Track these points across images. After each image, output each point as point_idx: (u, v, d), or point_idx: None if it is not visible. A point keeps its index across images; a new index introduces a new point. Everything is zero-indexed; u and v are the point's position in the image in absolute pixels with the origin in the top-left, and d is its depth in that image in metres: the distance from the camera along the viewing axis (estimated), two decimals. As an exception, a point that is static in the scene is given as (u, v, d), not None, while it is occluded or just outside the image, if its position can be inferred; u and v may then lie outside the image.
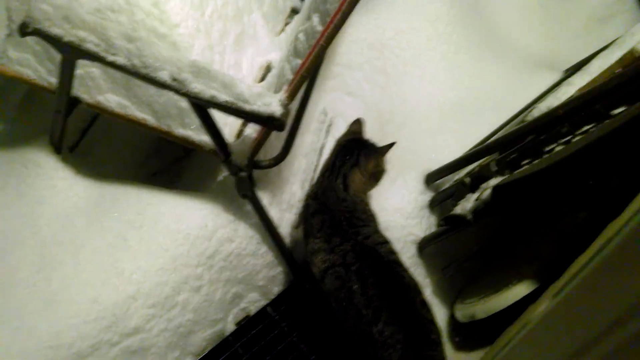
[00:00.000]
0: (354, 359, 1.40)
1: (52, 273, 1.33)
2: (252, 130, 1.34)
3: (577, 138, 1.15)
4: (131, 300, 1.35)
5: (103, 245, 1.38)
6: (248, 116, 1.13)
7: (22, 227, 1.39)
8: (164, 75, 1.11)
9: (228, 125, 1.43)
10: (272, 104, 1.13)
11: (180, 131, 1.36)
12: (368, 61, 1.95)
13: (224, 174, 1.58)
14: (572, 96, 1.30)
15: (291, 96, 1.17)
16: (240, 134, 1.48)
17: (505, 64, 2.04)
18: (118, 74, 1.31)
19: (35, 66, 1.34)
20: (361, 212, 1.41)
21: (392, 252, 1.36)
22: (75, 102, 1.35)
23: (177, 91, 1.12)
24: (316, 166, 1.88)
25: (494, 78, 1.98)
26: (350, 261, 1.28)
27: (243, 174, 1.33)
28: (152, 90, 1.31)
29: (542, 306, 0.81)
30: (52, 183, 1.44)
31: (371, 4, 1.95)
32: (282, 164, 1.65)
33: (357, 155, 1.47)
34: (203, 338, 1.52)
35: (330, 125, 1.99)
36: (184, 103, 1.32)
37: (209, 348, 1.53)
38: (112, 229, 1.40)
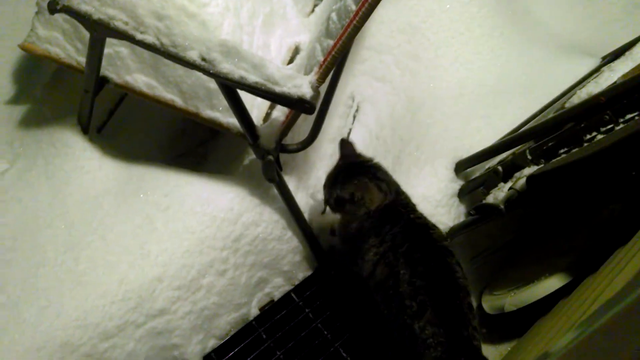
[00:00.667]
0: (381, 349, 1.38)
1: (80, 253, 1.33)
2: (280, 113, 1.31)
3: (620, 127, 1.09)
4: (157, 282, 1.35)
5: (130, 227, 1.38)
6: (278, 98, 1.11)
7: (50, 207, 1.40)
8: (192, 55, 1.09)
9: (256, 107, 1.41)
10: (302, 86, 1.10)
11: (208, 113, 1.34)
12: (398, 45, 1.90)
13: (250, 157, 1.57)
14: (615, 82, 1.25)
15: (322, 78, 1.14)
16: (267, 117, 1.45)
17: (540, 49, 1.97)
18: (147, 54, 1.30)
19: (64, 45, 1.33)
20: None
21: (444, 238, 1.33)
22: (103, 81, 1.35)
23: (205, 71, 1.10)
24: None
25: (528, 63, 1.92)
26: (399, 242, 1.24)
27: (270, 157, 1.31)
28: (180, 70, 1.30)
29: (567, 337, 0.76)
30: (80, 164, 1.44)
31: (402, -15, 1.89)
32: (309, 148, 1.63)
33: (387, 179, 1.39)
34: (227, 322, 1.52)
35: (357, 110, 1.95)
36: (212, 84, 1.30)
37: (233, 332, 1.53)
38: (139, 210, 1.40)
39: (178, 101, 1.34)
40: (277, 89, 1.09)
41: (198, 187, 1.44)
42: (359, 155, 1.43)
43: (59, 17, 1.30)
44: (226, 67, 1.08)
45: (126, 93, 1.73)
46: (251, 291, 1.54)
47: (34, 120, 1.55)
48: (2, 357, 1.19)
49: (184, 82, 1.31)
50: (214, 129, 1.42)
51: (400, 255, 1.24)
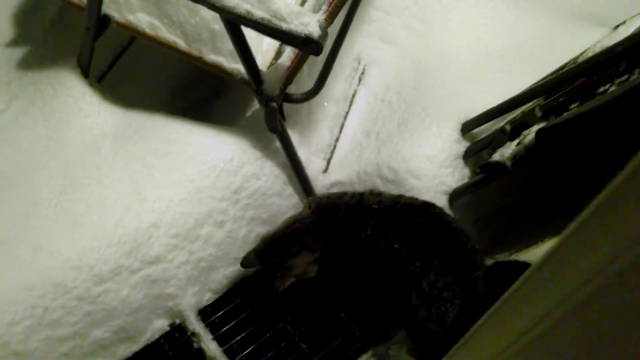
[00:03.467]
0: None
1: (75, 195, 1.30)
2: (285, 59, 1.27)
3: (636, 76, 1.06)
4: (153, 228, 1.32)
5: (127, 173, 1.35)
6: (284, 36, 1.07)
7: (46, 149, 1.37)
8: (198, -14, 1.05)
9: (260, 54, 1.37)
10: (310, 24, 1.06)
11: (211, 57, 1.31)
12: (407, 7, 1.86)
13: (252, 109, 1.54)
14: (632, 33, 1.21)
15: (330, 17, 1.10)
16: (271, 66, 1.42)
17: (551, 17, 1.93)
18: (150, -8, 1.26)
19: (67, -20, 1.29)
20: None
21: (416, 198, 1.31)
22: (105, 21, 1.31)
23: (211, 5, 1.06)
24: (347, 113, 1.82)
25: (538, 30, 1.88)
26: (383, 227, 1.24)
27: (274, 104, 1.28)
28: (184, 9, 1.26)
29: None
30: (79, 106, 1.41)
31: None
32: (313, 105, 1.61)
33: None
34: (224, 275, 1.49)
35: (363, 73, 1.92)
36: (217, 25, 1.27)
37: (230, 286, 1.51)
38: (138, 156, 1.37)
39: (181, 43, 1.31)
40: (284, 25, 1.06)
41: (199, 136, 1.41)
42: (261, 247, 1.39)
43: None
44: (232, 0, 1.05)
45: (127, 46, 1.71)
46: (250, 246, 1.51)
47: (33, 61, 1.51)
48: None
49: (187, 22, 1.27)
50: (215, 88, 1.39)
51: (389, 235, 1.23)
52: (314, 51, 1.09)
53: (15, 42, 1.55)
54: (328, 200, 1.37)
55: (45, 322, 1.21)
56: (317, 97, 1.48)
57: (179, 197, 1.35)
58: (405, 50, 1.87)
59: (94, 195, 1.31)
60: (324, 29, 1.08)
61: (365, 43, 1.90)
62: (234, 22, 1.09)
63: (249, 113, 1.52)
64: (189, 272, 1.40)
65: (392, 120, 1.71)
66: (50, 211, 1.27)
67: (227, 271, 1.49)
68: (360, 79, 1.90)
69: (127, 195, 1.31)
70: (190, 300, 1.43)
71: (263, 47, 1.36)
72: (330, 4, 1.11)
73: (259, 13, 1.05)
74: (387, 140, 1.67)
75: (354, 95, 1.86)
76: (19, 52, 1.52)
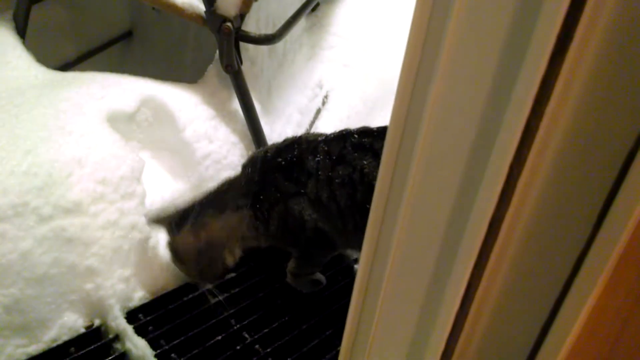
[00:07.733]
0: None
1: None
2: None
3: None
4: (76, 165, 1.06)
5: (53, 111, 1.13)
6: None
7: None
8: None
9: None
10: None
11: (161, -7, 1.21)
12: (367, 30, 1.87)
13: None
14: None
15: None
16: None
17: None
18: None
19: None
20: None
21: None
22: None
23: None
24: (311, 124, 1.70)
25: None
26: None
27: (229, 24, 1.15)
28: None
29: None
30: (6, 59, 1.24)
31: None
32: (275, 94, 1.49)
33: None
34: (165, 268, 1.18)
35: (326, 97, 1.84)
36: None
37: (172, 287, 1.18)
38: (69, 98, 1.16)
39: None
40: None
41: (140, 84, 1.23)
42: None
43: None
44: None
45: None
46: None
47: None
48: None
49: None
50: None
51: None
52: None
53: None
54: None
55: None
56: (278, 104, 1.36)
57: (114, 137, 1.12)
58: (369, 73, 1.83)
59: (5, 128, 1.06)
60: None
61: (326, 68, 1.85)
62: None
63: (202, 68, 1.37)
64: (116, 240, 1.09)
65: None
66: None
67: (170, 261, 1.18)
68: (323, 104, 1.82)
69: (47, 128, 1.08)
70: (116, 288, 1.10)
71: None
72: None
73: None
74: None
75: (318, 112, 1.75)
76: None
